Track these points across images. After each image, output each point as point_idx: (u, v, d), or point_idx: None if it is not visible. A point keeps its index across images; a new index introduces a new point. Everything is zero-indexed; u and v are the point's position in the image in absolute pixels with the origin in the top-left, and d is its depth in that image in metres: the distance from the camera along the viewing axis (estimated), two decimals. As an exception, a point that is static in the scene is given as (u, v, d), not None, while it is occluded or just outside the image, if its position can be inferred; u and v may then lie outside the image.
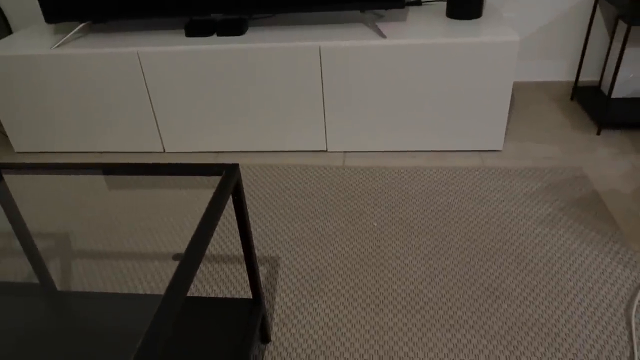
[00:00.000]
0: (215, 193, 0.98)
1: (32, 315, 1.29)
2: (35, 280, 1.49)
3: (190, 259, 0.82)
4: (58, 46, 2.12)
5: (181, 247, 1.75)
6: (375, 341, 1.36)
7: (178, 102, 2.17)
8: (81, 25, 2.21)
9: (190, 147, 2.29)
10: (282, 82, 2.06)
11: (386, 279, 1.55)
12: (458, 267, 1.58)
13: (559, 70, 2.59)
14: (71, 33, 2.18)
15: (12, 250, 1.77)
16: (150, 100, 2.17)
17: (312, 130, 2.18)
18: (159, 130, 2.26)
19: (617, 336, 1.33)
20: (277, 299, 1.51)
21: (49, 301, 1.33)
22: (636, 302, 1.43)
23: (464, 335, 1.36)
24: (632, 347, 1.30)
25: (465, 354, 1.31)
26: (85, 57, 2.08)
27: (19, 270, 1.67)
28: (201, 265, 1.65)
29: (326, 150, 2.23)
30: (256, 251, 1.70)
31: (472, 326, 1.39)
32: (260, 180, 2.07)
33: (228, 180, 1.02)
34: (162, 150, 2.32)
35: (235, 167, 1.07)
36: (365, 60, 1.98)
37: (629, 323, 1.37)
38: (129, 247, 1.75)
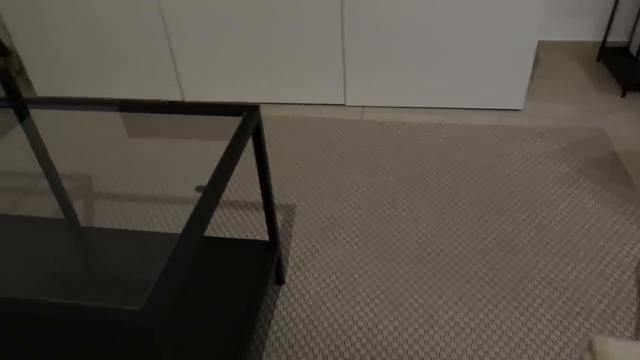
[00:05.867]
0: (237, 131, 1.00)
1: (57, 249, 1.34)
2: (61, 216, 1.55)
3: (213, 189, 0.85)
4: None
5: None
6: (386, 287, 1.40)
7: (199, 47, 2.16)
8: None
9: (209, 97, 2.30)
10: (301, 28, 2.05)
11: (399, 230, 1.58)
12: (471, 222, 1.59)
13: (586, 29, 2.52)
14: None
15: (39, 187, 1.83)
16: (170, 46, 2.17)
17: (331, 84, 2.17)
18: (178, 79, 2.26)
19: (626, 293, 1.35)
20: (292, 245, 1.55)
21: (72, 236, 1.39)
22: (647, 261, 1.44)
23: (473, 285, 1.39)
24: (640, 304, 1.33)
25: (473, 303, 1.34)
26: None
27: (45, 206, 1.73)
28: (219, 209, 1.69)
29: (345, 105, 2.23)
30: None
31: (482, 277, 1.41)
32: (279, 131, 2.08)
33: (249, 120, 1.04)
34: (182, 100, 2.33)
35: (256, 108, 1.08)
36: (389, 4, 1.94)
37: (638, 281, 1.38)
38: (148, 189, 1.79)
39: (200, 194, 0.84)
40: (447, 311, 1.33)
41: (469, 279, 1.41)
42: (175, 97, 2.32)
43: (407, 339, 1.27)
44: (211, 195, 0.85)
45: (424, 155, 1.89)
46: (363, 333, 1.29)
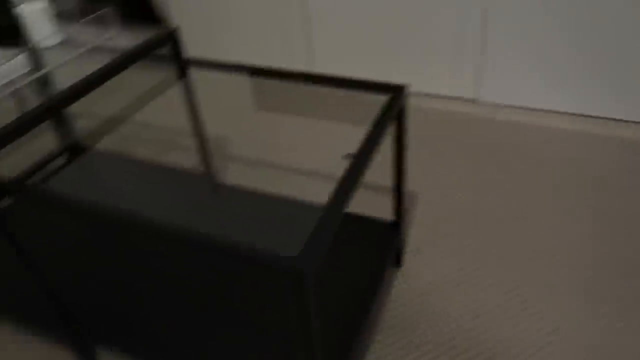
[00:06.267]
0: (383, 110, 1.04)
1: (200, 202, 1.48)
2: (203, 172, 1.70)
3: (362, 157, 0.89)
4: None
5: (337, 167, 1.86)
6: (510, 289, 1.37)
7: (336, 23, 2.23)
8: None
9: (342, 71, 2.35)
10: (437, 13, 2.03)
11: (527, 237, 1.52)
12: (605, 235, 1.50)
13: None
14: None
15: (186, 143, 2.02)
16: (309, 17, 2.27)
17: (463, 77, 2.13)
18: (311, 53, 2.35)
19: None
20: (412, 231, 1.57)
21: (212, 192, 1.52)
22: None
23: (600, 298, 1.31)
24: None
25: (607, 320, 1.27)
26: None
27: (190, 160, 1.91)
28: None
29: (477, 100, 2.18)
30: (395, 184, 1.76)
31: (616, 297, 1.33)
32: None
33: (397, 98, 1.07)
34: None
35: (402, 88, 1.11)
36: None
37: None
38: (287, 158, 1.90)
39: (347, 161, 0.89)
40: (577, 322, 1.27)
41: (597, 291, 1.33)
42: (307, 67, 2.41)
43: (529, 346, 1.23)
44: (362, 158, 0.89)
45: (565, 166, 1.80)
46: (479, 330, 1.27)
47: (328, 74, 1.26)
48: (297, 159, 1.92)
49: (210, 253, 0.76)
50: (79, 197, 0.83)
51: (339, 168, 1.84)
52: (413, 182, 1.76)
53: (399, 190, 1.30)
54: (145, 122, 2.23)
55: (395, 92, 1.10)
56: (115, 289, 1.29)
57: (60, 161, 1.72)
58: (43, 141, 2.14)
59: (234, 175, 1.85)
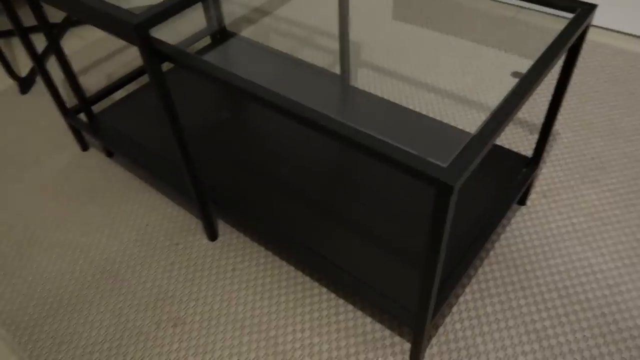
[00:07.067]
0: (568, 27, 0.91)
1: (330, 101, 1.46)
2: (336, 72, 1.67)
3: (532, 77, 0.80)
4: None
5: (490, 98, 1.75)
6: (631, 249, 1.25)
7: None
8: None
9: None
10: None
11: (678, 199, 1.35)
12: None
13: None
14: None
15: (323, 42, 1.99)
16: None
17: (646, 12, 1.83)
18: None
19: None
20: (545, 171, 1.45)
21: (341, 91, 1.49)
22: None
23: None
24: None
25: None
26: None
27: (327, 59, 1.89)
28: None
29: (651, 41, 1.88)
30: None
31: None
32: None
33: (583, 18, 0.93)
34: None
35: (592, 7, 0.96)
36: None
37: None
38: (423, 74, 1.81)
39: (516, 79, 0.80)
40: None
41: None
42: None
43: (649, 312, 1.13)
44: (529, 79, 0.80)
45: None
46: (599, 285, 1.18)
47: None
48: (434, 77, 1.81)
49: (358, 148, 0.74)
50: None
51: (473, 93, 1.71)
52: (559, 119, 1.60)
53: (547, 127, 1.18)
54: (289, 17, 2.20)
55: (583, 10, 0.95)
56: (245, 166, 1.34)
57: (203, 43, 1.77)
58: (192, 22, 2.20)
59: (364, 82, 1.80)
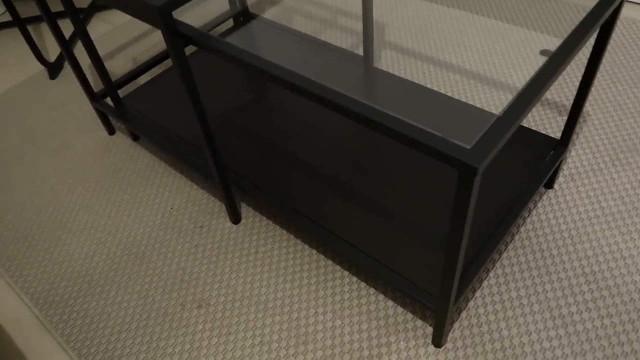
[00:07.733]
0: (599, 3, 0.87)
1: (353, 82, 1.45)
2: (360, 53, 1.65)
3: (561, 55, 0.77)
4: None
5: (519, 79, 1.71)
6: (673, 237, 1.21)
7: None
8: None
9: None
10: None
11: None
12: None
13: None
14: None
15: (347, 23, 1.96)
16: None
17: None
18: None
19: None
20: (573, 154, 1.41)
21: (364, 73, 1.47)
22: None
23: None
24: None
25: None
26: None
27: (350, 41, 1.86)
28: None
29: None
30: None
31: None
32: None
33: (617, -6, 0.89)
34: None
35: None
36: None
37: None
38: (449, 55, 1.78)
39: (545, 57, 0.78)
40: None
41: None
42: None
43: (681, 299, 1.10)
44: (558, 58, 0.77)
45: None
46: (629, 270, 1.15)
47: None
48: (459, 57, 1.77)
49: (381, 130, 0.73)
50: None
51: (500, 73, 1.67)
52: (589, 100, 1.55)
53: (577, 107, 1.14)
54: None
55: (615, -13, 0.91)
56: (267, 149, 1.35)
57: (226, 26, 1.76)
58: (215, 5, 2.20)
59: (388, 63, 1.78)
